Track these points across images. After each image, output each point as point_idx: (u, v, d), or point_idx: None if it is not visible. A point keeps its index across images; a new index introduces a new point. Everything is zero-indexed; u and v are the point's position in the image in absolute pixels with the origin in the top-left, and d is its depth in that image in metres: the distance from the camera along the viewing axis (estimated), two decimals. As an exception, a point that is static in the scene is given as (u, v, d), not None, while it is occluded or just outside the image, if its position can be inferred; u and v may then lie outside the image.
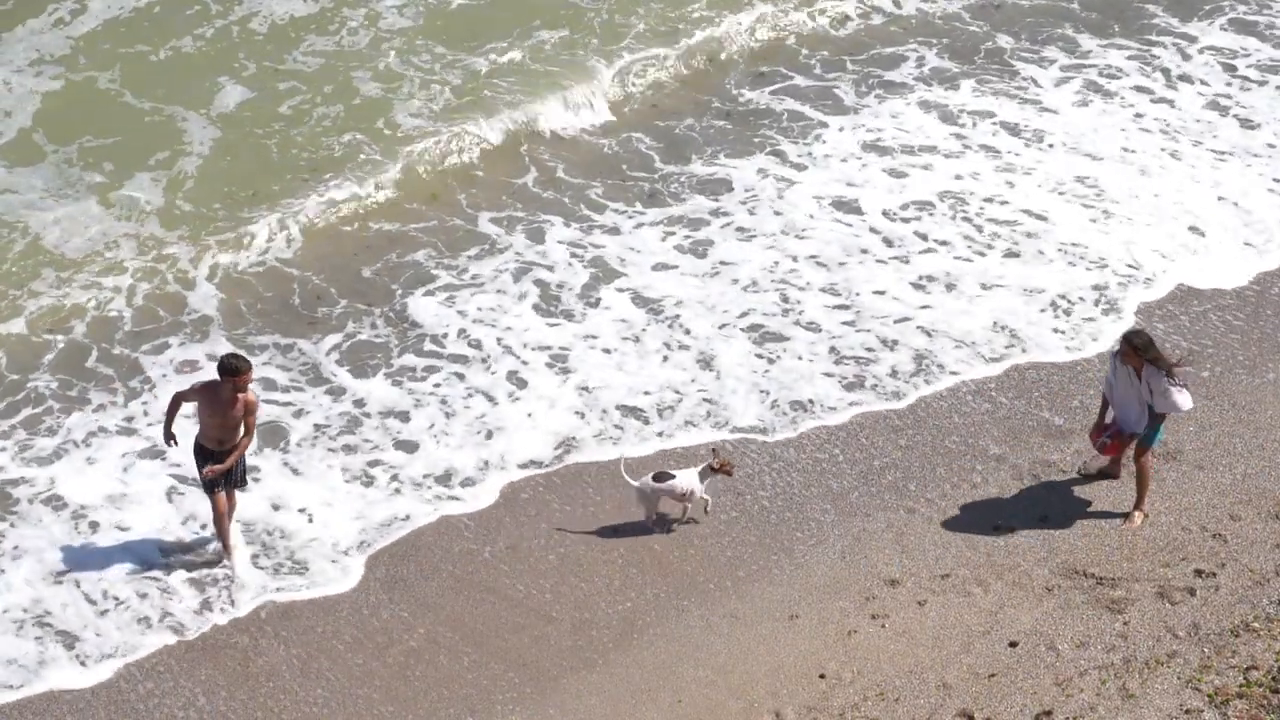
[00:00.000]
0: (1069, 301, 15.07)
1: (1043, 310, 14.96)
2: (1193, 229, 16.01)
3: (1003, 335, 14.62)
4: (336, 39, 18.97)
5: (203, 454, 12.02)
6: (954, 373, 14.16)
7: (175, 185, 16.65)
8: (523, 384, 14.22)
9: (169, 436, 12.16)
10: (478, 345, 14.69)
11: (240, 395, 11.77)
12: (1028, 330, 14.68)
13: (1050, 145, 17.49)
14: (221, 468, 11.95)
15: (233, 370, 11.68)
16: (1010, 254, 15.77)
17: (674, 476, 12.43)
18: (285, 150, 17.30)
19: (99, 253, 15.69)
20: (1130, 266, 15.50)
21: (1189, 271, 15.41)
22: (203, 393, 11.92)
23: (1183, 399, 12.11)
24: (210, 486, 12.07)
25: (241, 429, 11.96)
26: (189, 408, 12.26)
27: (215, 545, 12.38)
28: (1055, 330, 14.69)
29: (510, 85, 18.42)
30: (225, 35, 18.98)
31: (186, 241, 15.90)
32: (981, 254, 15.79)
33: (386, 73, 18.40)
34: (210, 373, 13.04)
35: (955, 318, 14.88)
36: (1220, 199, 16.52)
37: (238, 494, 12.36)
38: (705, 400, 13.99)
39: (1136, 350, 12.00)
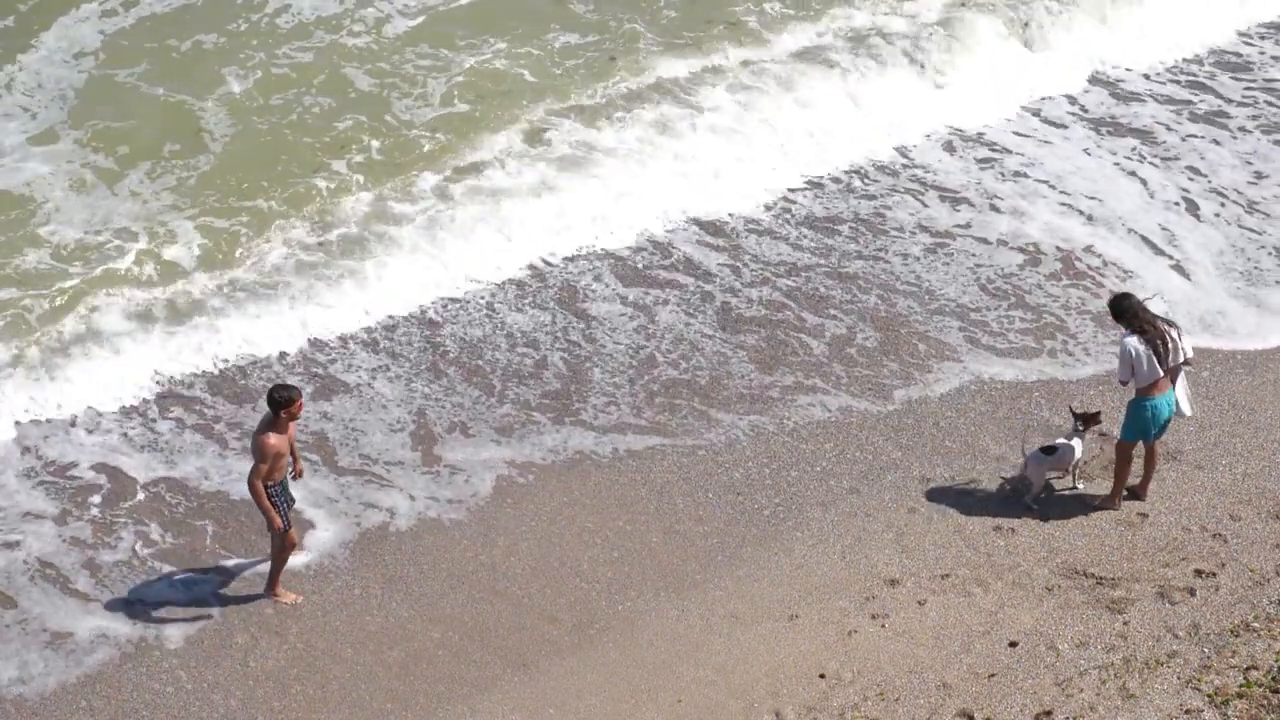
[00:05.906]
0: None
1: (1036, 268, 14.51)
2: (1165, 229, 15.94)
3: (1003, 304, 14.16)
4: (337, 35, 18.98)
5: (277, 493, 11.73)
6: (955, 358, 13.98)
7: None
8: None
9: (281, 524, 11.68)
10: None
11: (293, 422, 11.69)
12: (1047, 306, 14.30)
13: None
14: (299, 469, 12.10)
15: (288, 401, 11.49)
16: (954, 201, 15.38)
17: (1057, 449, 12.42)
18: (282, 142, 17.26)
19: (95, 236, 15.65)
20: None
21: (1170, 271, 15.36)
22: (273, 449, 11.50)
23: (1122, 372, 11.89)
24: (285, 525, 11.82)
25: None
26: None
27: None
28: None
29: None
30: (254, 29, 18.93)
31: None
32: (921, 198, 15.50)
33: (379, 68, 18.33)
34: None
35: (926, 274, 14.46)
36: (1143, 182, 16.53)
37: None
38: (571, 370, 13.47)
39: (1115, 317, 11.98)
